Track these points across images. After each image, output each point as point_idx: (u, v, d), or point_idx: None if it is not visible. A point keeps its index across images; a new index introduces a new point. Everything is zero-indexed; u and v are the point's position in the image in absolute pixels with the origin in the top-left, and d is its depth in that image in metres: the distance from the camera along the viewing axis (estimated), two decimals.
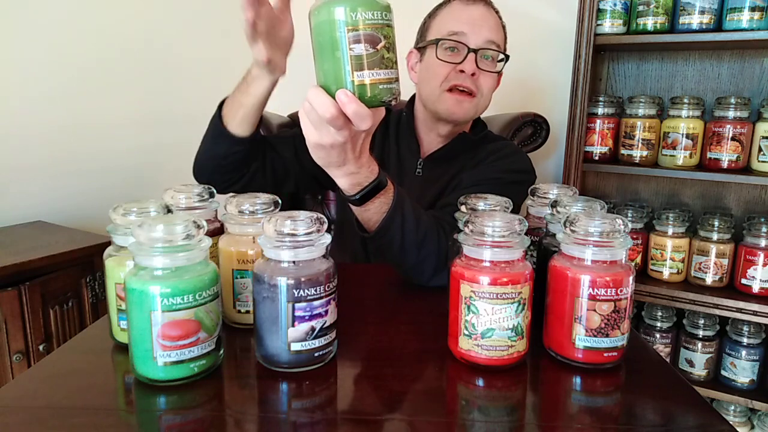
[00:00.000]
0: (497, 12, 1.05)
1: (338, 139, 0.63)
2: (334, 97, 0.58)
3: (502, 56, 1.02)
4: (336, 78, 0.57)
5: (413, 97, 1.14)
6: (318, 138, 0.64)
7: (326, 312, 0.56)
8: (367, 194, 0.73)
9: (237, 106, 0.89)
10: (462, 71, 0.98)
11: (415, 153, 1.09)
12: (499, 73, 1.06)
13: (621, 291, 0.56)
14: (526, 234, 0.57)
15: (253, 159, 0.96)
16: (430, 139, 1.09)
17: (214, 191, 0.72)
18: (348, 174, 0.70)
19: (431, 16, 1.07)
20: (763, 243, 1.47)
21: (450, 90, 1.00)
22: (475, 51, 0.98)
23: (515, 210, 0.71)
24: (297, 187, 1.05)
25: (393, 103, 0.60)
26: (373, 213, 0.76)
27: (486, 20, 1.00)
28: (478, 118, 1.14)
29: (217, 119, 0.91)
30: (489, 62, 1.01)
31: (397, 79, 0.59)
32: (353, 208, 0.76)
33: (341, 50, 0.56)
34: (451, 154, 1.07)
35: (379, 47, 0.56)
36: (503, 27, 1.05)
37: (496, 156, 1.07)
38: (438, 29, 1.02)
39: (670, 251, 1.58)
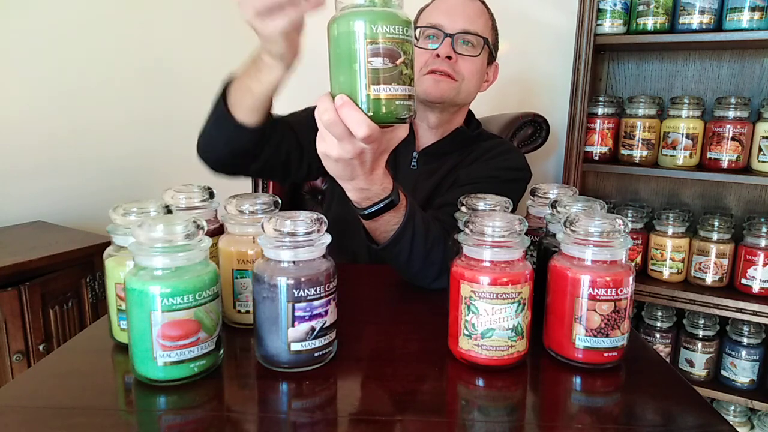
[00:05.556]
0: (483, 2, 1.07)
1: (343, 154, 0.61)
2: None
3: (482, 41, 1.03)
4: (351, 91, 0.56)
5: None
6: (324, 148, 0.63)
7: (326, 312, 0.56)
8: (378, 211, 0.72)
9: (245, 91, 0.77)
10: (438, 55, 1.00)
11: (410, 145, 1.09)
12: (495, 64, 1.09)
13: (621, 291, 0.56)
14: (526, 234, 0.57)
15: (264, 145, 0.86)
16: (424, 130, 1.10)
17: (214, 191, 0.72)
18: (357, 189, 0.69)
19: (419, 13, 1.10)
20: (763, 243, 1.47)
21: (429, 73, 1.01)
22: (451, 36, 1.00)
23: (513, 207, 0.71)
24: (311, 169, 0.98)
25: (408, 120, 0.58)
26: (381, 224, 0.75)
27: (464, 8, 1.03)
28: (472, 115, 1.15)
29: (222, 102, 0.80)
30: (469, 48, 1.02)
31: (413, 96, 0.57)
32: (361, 218, 0.75)
33: (358, 63, 0.54)
34: (447, 148, 1.08)
35: (398, 62, 0.55)
36: (488, 14, 1.07)
37: (491, 154, 1.07)
38: (421, 23, 1.06)
39: (670, 251, 1.58)
